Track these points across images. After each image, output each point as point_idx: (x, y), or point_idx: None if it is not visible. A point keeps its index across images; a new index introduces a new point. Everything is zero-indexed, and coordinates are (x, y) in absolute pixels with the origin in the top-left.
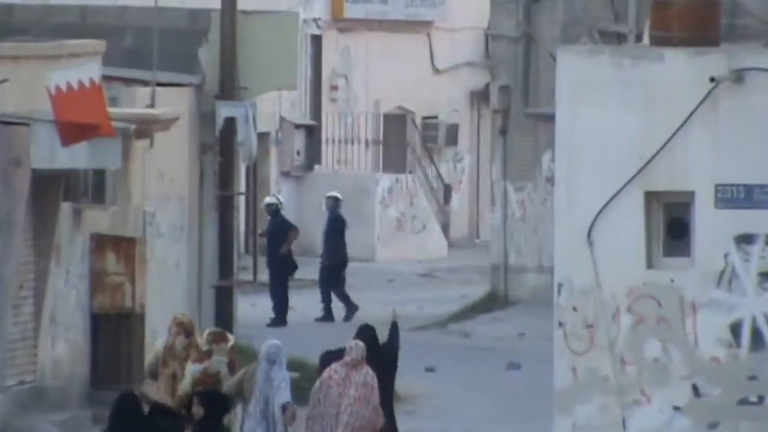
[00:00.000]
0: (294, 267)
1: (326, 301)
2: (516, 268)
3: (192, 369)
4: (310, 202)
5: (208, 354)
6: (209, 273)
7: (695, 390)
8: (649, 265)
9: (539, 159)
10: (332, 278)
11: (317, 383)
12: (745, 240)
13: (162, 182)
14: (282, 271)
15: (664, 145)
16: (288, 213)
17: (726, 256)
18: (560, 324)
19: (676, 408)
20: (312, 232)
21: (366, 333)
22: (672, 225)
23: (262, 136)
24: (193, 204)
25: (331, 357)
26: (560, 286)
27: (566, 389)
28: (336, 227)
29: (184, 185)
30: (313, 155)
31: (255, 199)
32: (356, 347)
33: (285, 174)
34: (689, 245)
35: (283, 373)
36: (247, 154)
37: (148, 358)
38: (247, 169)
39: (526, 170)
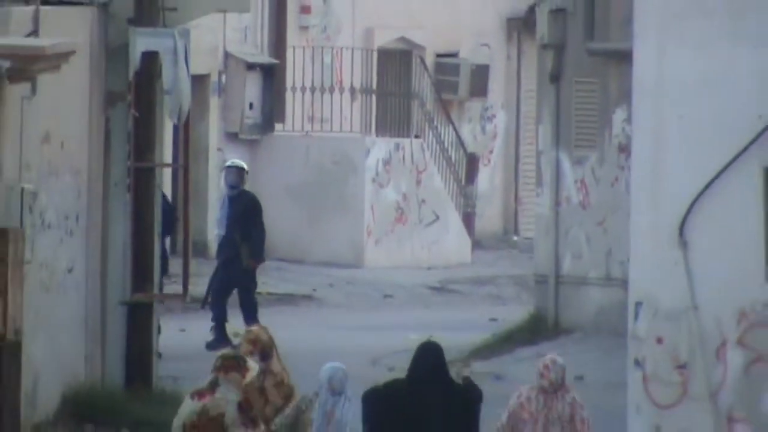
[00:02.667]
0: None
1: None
2: (572, 279)
3: (185, 406)
4: (268, 178)
5: (212, 386)
6: (118, 284)
7: None
8: None
9: (609, 118)
10: (252, 286)
11: (504, 417)
12: None
13: (49, 148)
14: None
15: None
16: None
17: None
18: (638, 363)
19: None
20: (271, 220)
21: (433, 352)
22: None
23: (199, 81)
24: (94, 181)
25: (381, 397)
26: (638, 306)
27: None
28: (256, 212)
29: (81, 153)
30: (273, 110)
31: (187, 174)
32: (554, 366)
33: (232, 136)
34: None
35: (355, 410)
36: (176, 106)
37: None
38: (176, 129)
39: (589, 135)
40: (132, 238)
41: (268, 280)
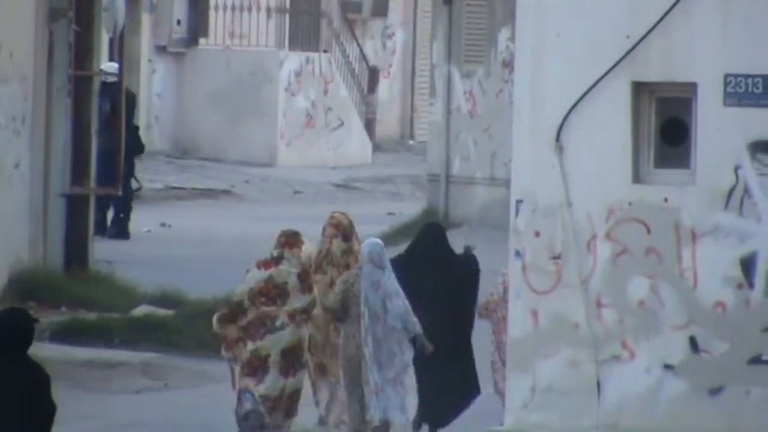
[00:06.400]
0: None
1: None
2: (461, 179)
3: (254, 275)
4: (192, 86)
5: (277, 260)
6: (58, 178)
7: (693, 344)
8: (637, 178)
9: (494, 37)
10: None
11: (495, 297)
12: (762, 148)
13: None
14: None
15: (659, 22)
16: (166, 99)
17: (737, 169)
18: (518, 254)
19: (668, 366)
20: (195, 124)
21: (435, 233)
22: (667, 127)
23: (132, 0)
24: (39, 87)
25: (405, 260)
26: (519, 203)
27: (524, 339)
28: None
29: (27, 62)
30: (198, 26)
31: (121, 82)
32: None
33: (161, 49)
34: (689, 154)
35: (394, 282)
36: (112, 22)
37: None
38: (111, 42)
39: (477, 51)
40: (72, 137)
41: (191, 176)
